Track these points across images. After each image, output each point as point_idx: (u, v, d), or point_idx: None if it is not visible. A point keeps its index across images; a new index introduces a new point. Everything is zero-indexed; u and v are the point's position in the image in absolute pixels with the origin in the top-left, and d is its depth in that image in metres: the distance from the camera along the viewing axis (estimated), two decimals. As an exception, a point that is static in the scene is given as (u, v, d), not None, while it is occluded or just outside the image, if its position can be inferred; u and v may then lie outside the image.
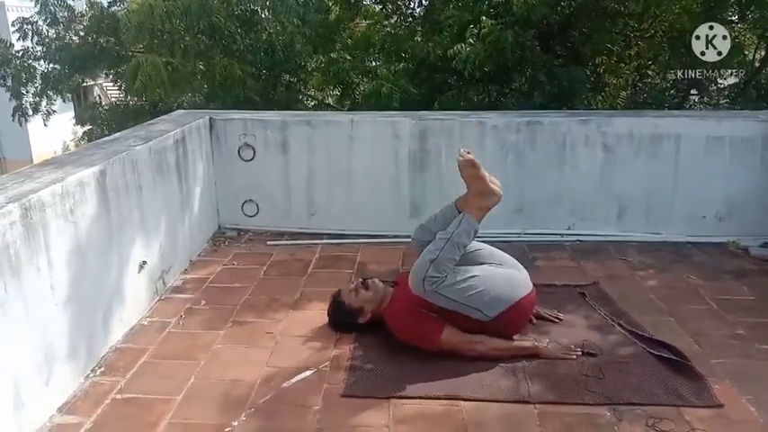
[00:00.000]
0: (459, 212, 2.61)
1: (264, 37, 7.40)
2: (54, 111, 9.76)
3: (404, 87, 6.15)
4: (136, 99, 9.02)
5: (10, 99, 9.20)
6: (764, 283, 3.29)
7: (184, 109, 6.46)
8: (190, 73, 6.84)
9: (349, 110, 7.65)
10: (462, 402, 2.26)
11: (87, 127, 10.01)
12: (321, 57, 7.38)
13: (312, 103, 8.72)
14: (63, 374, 2.30)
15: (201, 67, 7.06)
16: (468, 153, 2.58)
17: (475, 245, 2.74)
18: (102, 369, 2.52)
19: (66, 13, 8.43)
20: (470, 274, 2.56)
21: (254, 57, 7.40)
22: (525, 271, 2.75)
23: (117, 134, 3.54)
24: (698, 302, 3.08)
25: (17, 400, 2.04)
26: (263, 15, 7.52)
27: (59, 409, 2.25)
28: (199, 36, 7.02)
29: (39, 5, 8.24)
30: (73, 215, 2.41)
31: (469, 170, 2.56)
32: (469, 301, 2.52)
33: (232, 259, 3.71)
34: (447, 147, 3.90)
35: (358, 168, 4.01)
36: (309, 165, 4.04)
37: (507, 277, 2.66)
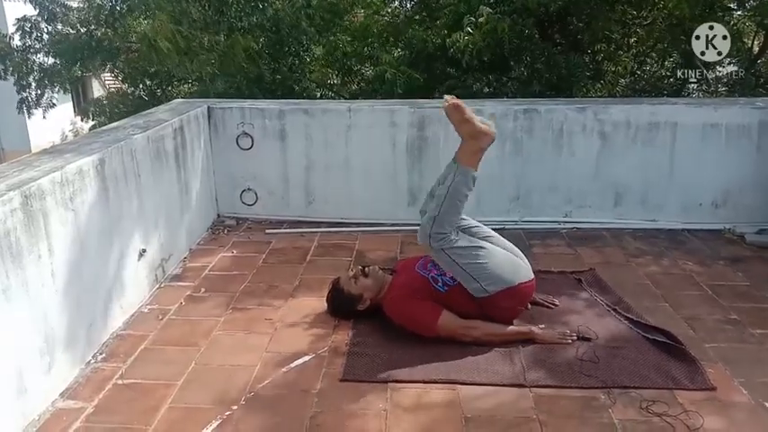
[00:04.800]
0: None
1: (270, 14, 7.33)
2: (54, 104, 9.89)
3: (408, 73, 6.14)
4: (135, 87, 9.00)
5: (18, 92, 9.40)
6: (759, 269, 3.32)
7: (198, 81, 6.40)
8: (198, 45, 6.77)
9: (351, 95, 7.62)
10: (459, 386, 2.29)
11: (91, 122, 10.04)
12: (323, 41, 7.33)
13: (314, 86, 8.62)
14: (65, 360, 2.33)
15: (207, 41, 6.95)
16: (453, 98, 2.56)
17: (485, 230, 2.76)
18: (104, 355, 2.55)
19: (61, 9, 8.49)
20: (478, 245, 2.60)
21: (260, 33, 7.34)
22: (528, 262, 2.78)
23: (115, 123, 3.56)
24: (693, 288, 3.11)
25: (20, 385, 2.07)
26: None
27: (62, 395, 2.28)
28: (206, 10, 6.96)
29: (36, 5, 8.34)
30: (72, 203, 2.43)
31: (455, 115, 2.54)
32: (471, 269, 2.55)
33: (231, 247, 3.74)
34: (445, 135, 3.90)
35: (356, 157, 4.03)
36: (307, 153, 4.06)
37: (511, 261, 2.69)
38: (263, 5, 7.26)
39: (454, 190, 2.53)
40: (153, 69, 7.73)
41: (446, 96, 2.60)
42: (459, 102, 2.54)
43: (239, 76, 7.08)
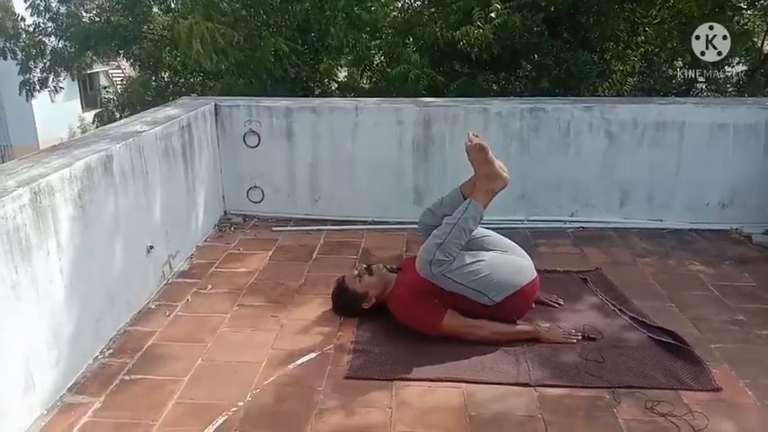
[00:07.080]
0: (465, 198, 2.63)
1: (300, 12, 7.24)
2: (62, 87, 9.68)
3: (430, 74, 6.15)
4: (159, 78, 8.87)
5: (19, 73, 9.18)
6: (766, 269, 3.30)
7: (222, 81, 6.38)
8: (234, 42, 6.71)
9: (374, 93, 7.58)
10: (464, 385, 2.30)
11: (98, 110, 10.00)
12: (344, 38, 7.30)
13: (334, 87, 8.56)
14: (72, 356, 2.35)
15: (236, 39, 6.90)
16: (477, 137, 2.60)
17: (482, 231, 2.77)
18: (111, 351, 2.57)
19: None
20: (477, 259, 2.59)
21: (290, 32, 7.28)
22: (529, 258, 2.78)
23: (123, 120, 3.58)
24: (699, 288, 3.10)
25: (28, 380, 2.09)
26: None
27: (69, 390, 2.30)
28: (237, 5, 6.89)
29: None
30: (81, 199, 2.45)
31: (478, 154, 2.58)
32: (476, 285, 2.55)
33: (238, 245, 3.75)
34: (451, 134, 3.91)
35: (362, 155, 4.03)
36: (314, 151, 4.07)
37: (513, 263, 2.69)
38: (294, 3, 7.18)
39: (464, 222, 2.56)
40: (179, 60, 7.61)
41: (470, 133, 2.62)
42: (484, 143, 2.58)
43: (264, 75, 7.04)
